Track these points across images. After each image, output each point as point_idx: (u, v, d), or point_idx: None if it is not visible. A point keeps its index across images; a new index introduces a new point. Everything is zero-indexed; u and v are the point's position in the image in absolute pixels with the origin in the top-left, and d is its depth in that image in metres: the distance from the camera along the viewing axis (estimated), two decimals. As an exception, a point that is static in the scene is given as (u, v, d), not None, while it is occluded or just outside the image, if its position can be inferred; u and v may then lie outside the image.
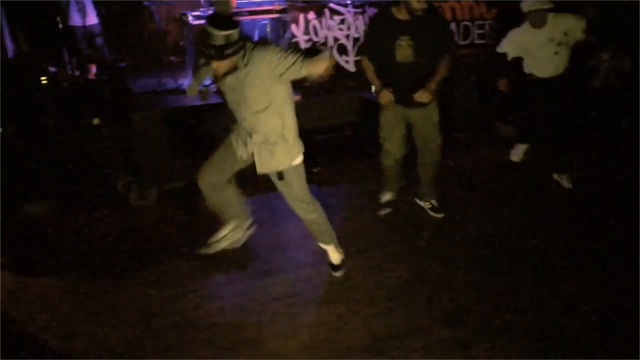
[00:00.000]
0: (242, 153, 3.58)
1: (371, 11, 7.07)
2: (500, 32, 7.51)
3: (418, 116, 4.33)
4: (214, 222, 4.60)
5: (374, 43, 4.19)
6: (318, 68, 3.23)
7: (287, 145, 3.49)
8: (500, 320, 3.45)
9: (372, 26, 4.29)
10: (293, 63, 3.20)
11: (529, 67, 5.13)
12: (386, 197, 4.85)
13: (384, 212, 4.76)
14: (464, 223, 4.65)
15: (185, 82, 6.74)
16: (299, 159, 3.57)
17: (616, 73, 7.03)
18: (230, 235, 4.00)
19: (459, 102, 6.82)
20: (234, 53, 3.15)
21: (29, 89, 5.77)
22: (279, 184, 3.62)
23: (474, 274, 3.93)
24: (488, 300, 3.64)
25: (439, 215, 4.74)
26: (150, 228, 4.62)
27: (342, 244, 4.27)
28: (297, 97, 6.15)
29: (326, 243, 3.89)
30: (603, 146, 6.27)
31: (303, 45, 6.76)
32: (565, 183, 5.29)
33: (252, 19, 7.33)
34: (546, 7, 4.70)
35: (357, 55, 4.22)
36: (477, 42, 7.68)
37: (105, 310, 3.59)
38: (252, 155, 3.54)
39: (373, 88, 4.40)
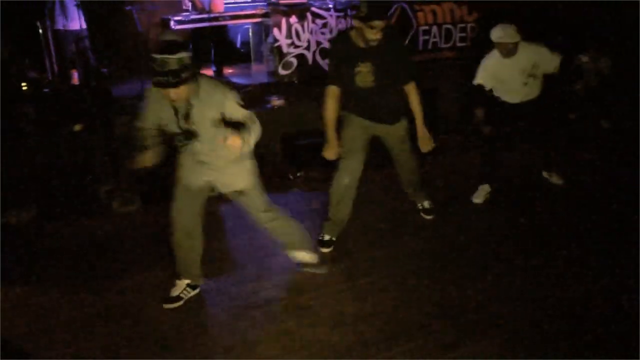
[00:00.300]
0: (200, 183, 3.52)
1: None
2: (480, 36, 7.65)
3: (386, 132, 4.24)
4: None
5: (337, 69, 3.98)
6: (255, 136, 3.32)
7: (245, 165, 3.53)
8: (498, 320, 3.47)
9: (334, 51, 4.11)
10: (244, 116, 3.31)
11: (499, 94, 5.06)
12: (328, 235, 4.38)
13: (327, 249, 4.33)
14: (457, 224, 4.69)
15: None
16: (255, 173, 3.62)
17: (595, 75, 7.12)
18: (184, 294, 3.74)
19: (442, 105, 6.87)
20: (190, 77, 3.05)
21: (9, 94, 5.70)
22: (239, 198, 3.62)
23: (466, 275, 3.95)
24: (484, 301, 3.65)
25: (429, 217, 4.76)
26: (135, 234, 4.60)
27: (332, 249, 4.31)
28: (280, 102, 6.17)
29: (297, 249, 3.91)
30: (588, 147, 6.33)
31: (285, 50, 6.79)
32: (555, 180, 5.36)
33: (235, 24, 7.33)
34: (516, 40, 4.69)
35: (327, 83, 4.01)
36: (459, 44, 7.77)
37: (87, 317, 3.57)
38: (211, 181, 3.53)
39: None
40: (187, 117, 3.23)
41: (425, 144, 4.20)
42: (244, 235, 4.55)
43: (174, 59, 2.95)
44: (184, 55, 2.97)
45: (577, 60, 7.16)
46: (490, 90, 5.02)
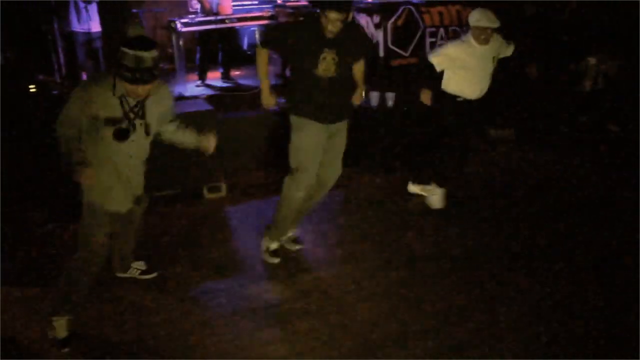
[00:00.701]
0: (123, 205, 3.34)
1: (360, 17, 7.11)
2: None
3: (339, 130, 3.97)
4: (203, 229, 4.62)
5: (294, 51, 3.77)
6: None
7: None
8: (498, 321, 3.48)
9: (294, 30, 3.88)
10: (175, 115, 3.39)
11: (458, 86, 4.74)
12: (274, 244, 4.27)
13: (276, 260, 4.22)
14: (458, 226, 4.68)
15: (176, 89, 6.72)
16: None
17: (603, 77, 7.11)
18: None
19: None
20: (159, 75, 3.02)
21: (18, 97, 5.73)
22: (135, 209, 3.48)
23: (468, 276, 3.95)
24: (483, 303, 3.66)
25: (300, 247, 4.39)
26: (143, 235, 4.59)
27: (333, 250, 4.29)
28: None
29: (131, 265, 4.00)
30: (595, 150, 6.32)
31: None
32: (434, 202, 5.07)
33: (241, 26, 7.35)
34: (495, 26, 4.52)
35: (261, 46, 3.86)
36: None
37: (100, 315, 3.58)
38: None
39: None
40: (142, 113, 3.14)
41: (358, 98, 4.07)
42: (251, 236, 4.55)
43: (149, 57, 2.90)
44: (156, 53, 2.94)
45: (585, 62, 7.15)
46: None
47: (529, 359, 3.16)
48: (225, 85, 7.16)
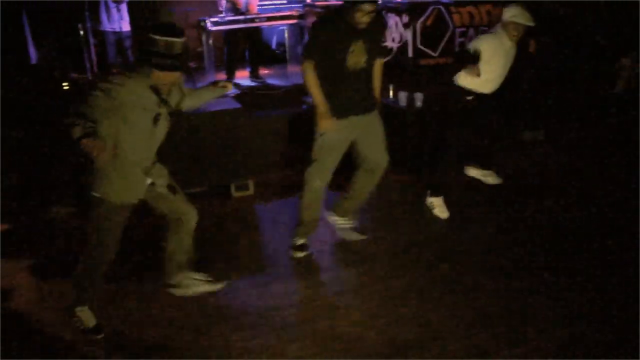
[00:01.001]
0: (142, 192, 3.32)
1: (389, 17, 7.09)
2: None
3: (368, 125, 4.01)
4: (230, 227, 4.66)
5: (324, 48, 3.76)
6: None
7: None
8: (498, 320, 3.45)
9: (324, 29, 3.82)
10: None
11: (475, 80, 4.59)
12: (302, 239, 4.29)
13: (303, 254, 4.25)
14: (473, 230, 4.64)
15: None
16: None
17: (636, 78, 6.98)
18: None
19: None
20: (181, 68, 3.04)
21: (52, 94, 5.84)
22: (170, 197, 3.44)
23: (497, 282, 3.90)
24: (491, 305, 3.62)
25: (363, 237, 4.43)
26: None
27: (356, 250, 4.27)
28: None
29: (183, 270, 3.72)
30: (628, 151, 6.21)
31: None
32: (492, 180, 5.27)
33: (271, 25, 7.38)
34: (531, 24, 4.46)
35: (304, 58, 3.83)
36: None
37: (125, 311, 3.63)
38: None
39: (315, 104, 3.89)
40: (166, 102, 3.16)
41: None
42: (277, 235, 4.57)
43: (180, 42, 2.91)
44: (185, 39, 2.96)
45: (619, 63, 7.03)
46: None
47: (528, 359, 3.14)
48: (253, 84, 7.19)
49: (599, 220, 4.70)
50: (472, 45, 4.62)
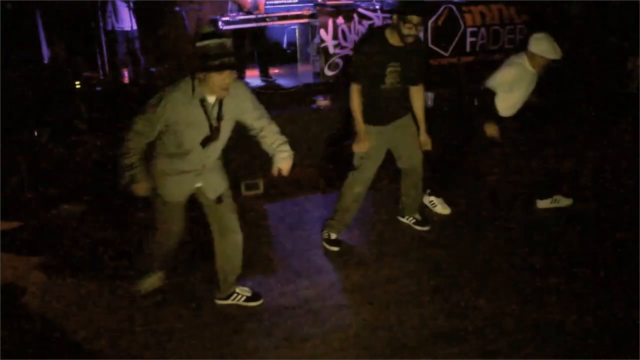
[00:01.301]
0: (186, 194, 3.43)
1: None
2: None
3: (400, 130, 4.23)
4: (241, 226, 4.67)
5: (366, 69, 3.99)
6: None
7: (222, 168, 3.55)
8: (498, 321, 3.46)
9: (366, 51, 4.00)
10: (267, 115, 3.41)
11: (499, 105, 4.60)
12: (335, 234, 4.46)
13: (336, 248, 4.41)
14: (476, 232, 4.63)
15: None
16: None
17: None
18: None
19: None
20: (235, 66, 3.10)
21: (64, 93, 5.89)
22: (217, 206, 3.49)
23: (484, 280, 3.91)
24: (492, 308, 3.61)
25: (425, 228, 4.64)
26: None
27: (366, 250, 4.27)
28: (326, 102, 6.19)
29: (236, 279, 3.70)
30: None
31: (331, 51, 6.80)
32: (564, 202, 4.97)
33: (281, 24, 7.38)
34: (559, 57, 4.42)
35: (352, 81, 4.05)
36: (507, 46, 7.64)
37: (135, 310, 3.65)
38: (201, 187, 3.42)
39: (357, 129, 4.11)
40: (218, 115, 3.19)
41: (426, 142, 4.29)
42: (286, 235, 4.58)
43: (229, 41, 2.99)
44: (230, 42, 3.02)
45: (630, 62, 6.97)
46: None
47: (529, 359, 3.14)
48: (262, 83, 7.20)
49: (600, 220, 4.71)
50: (492, 80, 4.53)
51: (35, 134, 5.32)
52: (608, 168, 5.72)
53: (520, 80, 4.53)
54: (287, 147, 3.39)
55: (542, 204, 4.98)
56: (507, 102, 4.61)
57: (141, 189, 3.19)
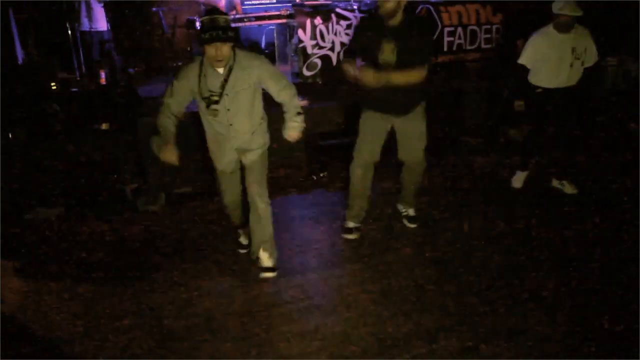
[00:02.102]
0: (232, 161, 3.82)
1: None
2: (506, 38, 7.59)
3: (404, 123, 4.18)
4: (220, 227, 4.65)
5: (360, 45, 4.04)
6: (297, 103, 3.72)
7: (261, 130, 3.81)
8: (497, 322, 3.46)
9: (361, 28, 4.10)
10: (285, 86, 3.67)
11: (537, 76, 4.91)
12: (350, 223, 4.53)
13: (351, 236, 4.48)
14: (468, 229, 4.64)
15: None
16: (267, 144, 3.89)
17: (624, 77, 7.03)
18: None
19: (466, 106, 6.84)
20: (234, 38, 3.35)
21: (39, 94, 5.82)
22: (249, 167, 3.81)
23: (479, 278, 3.93)
24: (499, 305, 3.64)
25: (412, 225, 4.66)
26: (158, 233, 4.65)
27: (349, 249, 4.30)
28: (304, 102, 6.19)
29: (265, 249, 3.96)
30: (612, 149, 6.26)
31: (310, 51, 6.80)
32: (568, 189, 5.23)
33: (259, 25, 7.37)
34: (578, 14, 4.62)
35: (344, 57, 4.15)
36: (484, 46, 7.71)
37: (111, 314, 3.62)
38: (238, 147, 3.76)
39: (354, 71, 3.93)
40: (225, 81, 3.47)
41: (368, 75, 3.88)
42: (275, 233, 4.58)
43: (222, 17, 3.29)
44: (229, 17, 3.27)
45: (606, 62, 7.08)
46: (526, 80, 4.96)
47: (528, 359, 3.16)
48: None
49: (601, 218, 4.73)
50: (523, 55, 4.90)
51: (10, 136, 5.25)
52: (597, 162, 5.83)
53: (548, 47, 4.77)
54: (298, 118, 3.68)
55: (554, 182, 5.31)
56: (545, 71, 4.85)
57: (167, 156, 3.46)
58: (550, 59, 4.80)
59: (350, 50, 4.16)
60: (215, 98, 3.49)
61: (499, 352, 3.21)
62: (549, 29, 4.80)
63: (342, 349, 3.26)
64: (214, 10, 3.38)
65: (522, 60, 4.90)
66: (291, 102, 3.69)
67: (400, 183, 4.65)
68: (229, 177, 3.87)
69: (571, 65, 4.80)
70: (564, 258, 4.16)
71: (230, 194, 3.95)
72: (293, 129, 3.68)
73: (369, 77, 3.81)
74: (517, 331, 3.38)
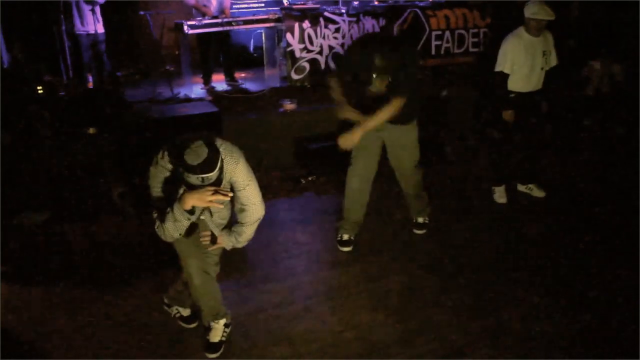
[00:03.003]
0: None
1: (366, 20, 7.12)
2: (494, 41, 7.62)
3: (395, 134, 4.16)
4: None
5: (351, 71, 4.03)
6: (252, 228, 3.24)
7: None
8: (498, 321, 3.48)
9: (352, 61, 3.99)
10: (255, 200, 3.14)
11: (511, 81, 4.86)
12: (345, 235, 4.46)
13: (347, 248, 4.42)
14: (460, 232, 4.67)
15: (181, 90, 6.76)
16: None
17: (609, 80, 7.09)
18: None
19: (455, 111, 6.86)
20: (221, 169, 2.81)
21: (25, 98, 5.77)
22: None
23: (469, 281, 3.95)
24: (485, 304, 3.65)
25: (420, 232, 4.64)
26: (145, 237, 4.62)
27: (337, 253, 4.31)
28: (293, 106, 6.19)
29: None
30: (600, 153, 6.31)
31: (298, 55, 6.81)
32: (537, 192, 5.25)
33: (247, 29, 7.37)
34: (551, 18, 4.64)
35: (331, 75, 4.09)
36: (471, 50, 7.76)
37: (100, 319, 3.60)
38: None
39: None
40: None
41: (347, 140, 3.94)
42: (255, 238, 4.54)
43: (214, 174, 2.74)
44: (219, 165, 2.75)
45: (590, 67, 7.14)
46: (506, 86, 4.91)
47: (524, 359, 3.17)
48: (228, 87, 7.17)
49: (598, 219, 4.78)
50: (499, 63, 4.85)
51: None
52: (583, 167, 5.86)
53: (519, 50, 4.75)
54: (238, 231, 3.22)
55: (520, 187, 5.34)
56: (517, 74, 4.82)
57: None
58: (526, 63, 4.79)
59: (338, 73, 4.06)
60: None
61: (486, 353, 3.22)
62: (521, 32, 4.79)
63: (330, 353, 3.26)
64: (200, 164, 2.66)
65: (504, 67, 4.83)
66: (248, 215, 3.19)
67: (403, 193, 4.60)
68: None
69: (542, 69, 4.84)
70: (562, 256, 4.20)
71: None
72: (224, 239, 3.24)
73: (347, 142, 3.91)
74: (510, 332, 3.39)
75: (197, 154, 2.65)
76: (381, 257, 4.30)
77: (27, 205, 4.93)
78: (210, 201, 2.77)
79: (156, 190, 2.94)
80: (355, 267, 4.16)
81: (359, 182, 4.27)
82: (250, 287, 3.91)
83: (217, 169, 2.73)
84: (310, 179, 5.67)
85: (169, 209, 2.86)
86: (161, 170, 2.89)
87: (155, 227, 2.96)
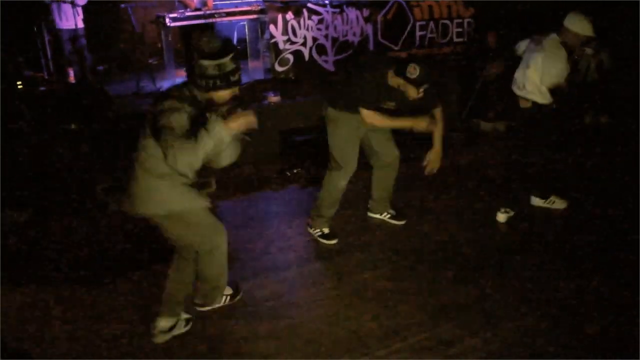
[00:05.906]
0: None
1: (350, 11, 7.09)
2: (478, 31, 7.63)
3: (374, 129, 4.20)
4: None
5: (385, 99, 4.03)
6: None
7: None
8: (496, 318, 3.47)
9: (367, 81, 3.94)
10: None
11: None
12: (326, 229, 4.45)
13: (333, 241, 4.41)
14: (448, 224, 4.67)
15: (165, 84, 6.69)
16: None
17: (597, 68, 7.09)
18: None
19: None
20: (240, 80, 2.98)
21: (5, 93, 5.69)
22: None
23: (461, 273, 3.94)
24: (482, 299, 3.65)
25: (401, 223, 4.66)
26: (130, 233, 4.57)
27: (323, 246, 4.32)
28: (277, 98, 6.16)
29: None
30: (586, 141, 6.32)
31: (281, 46, 6.76)
32: (559, 204, 4.87)
33: (230, 20, 7.31)
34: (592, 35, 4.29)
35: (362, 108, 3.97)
36: (455, 40, 7.76)
37: (85, 316, 3.56)
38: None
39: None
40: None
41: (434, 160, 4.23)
42: (240, 232, 4.54)
43: (228, 61, 2.91)
44: (234, 53, 2.93)
45: (580, 51, 7.10)
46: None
47: (528, 359, 3.15)
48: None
49: (594, 217, 4.74)
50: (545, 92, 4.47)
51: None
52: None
53: (565, 68, 4.38)
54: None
55: (538, 202, 4.90)
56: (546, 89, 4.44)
57: None
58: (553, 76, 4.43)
59: (368, 103, 3.97)
60: None
61: (474, 345, 3.22)
62: (558, 46, 4.32)
63: (317, 347, 3.24)
64: (215, 50, 2.88)
65: (549, 98, 4.44)
66: None
67: (376, 188, 4.59)
68: None
69: None
70: (559, 254, 4.17)
71: None
72: None
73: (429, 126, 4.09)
74: (506, 328, 3.37)
75: (211, 40, 2.84)
76: (366, 250, 4.28)
77: (10, 203, 4.86)
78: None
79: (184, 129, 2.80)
80: (341, 261, 4.14)
81: (346, 181, 4.29)
82: (240, 281, 3.88)
83: (229, 59, 2.86)
84: (295, 171, 5.65)
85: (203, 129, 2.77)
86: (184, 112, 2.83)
87: (173, 153, 2.74)
